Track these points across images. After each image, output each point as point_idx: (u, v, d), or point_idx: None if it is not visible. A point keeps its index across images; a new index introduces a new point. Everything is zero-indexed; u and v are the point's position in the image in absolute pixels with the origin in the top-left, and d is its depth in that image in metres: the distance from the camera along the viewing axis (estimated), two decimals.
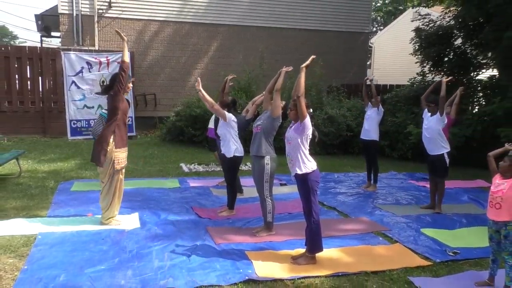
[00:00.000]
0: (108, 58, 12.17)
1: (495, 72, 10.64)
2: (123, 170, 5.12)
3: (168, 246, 4.49)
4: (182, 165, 9.02)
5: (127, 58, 5.05)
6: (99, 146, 4.87)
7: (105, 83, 12.18)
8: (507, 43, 8.28)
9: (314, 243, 4.16)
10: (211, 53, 14.76)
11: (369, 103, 7.37)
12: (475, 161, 8.39)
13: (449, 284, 3.79)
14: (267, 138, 4.84)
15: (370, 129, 7.28)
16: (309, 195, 4.12)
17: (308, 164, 4.12)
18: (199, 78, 5.20)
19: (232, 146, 5.48)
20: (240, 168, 6.18)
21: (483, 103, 10.21)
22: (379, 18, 33.49)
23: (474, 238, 4.97)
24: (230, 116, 5.53)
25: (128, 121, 12.48)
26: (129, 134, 12.57)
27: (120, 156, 4.95)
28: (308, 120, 4.07)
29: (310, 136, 4.19)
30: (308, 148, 4.20)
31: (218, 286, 3.67)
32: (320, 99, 11.80)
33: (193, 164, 9.06)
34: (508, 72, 9.08)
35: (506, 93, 8.84)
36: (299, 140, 4.12)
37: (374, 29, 30.35)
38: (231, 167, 5.64)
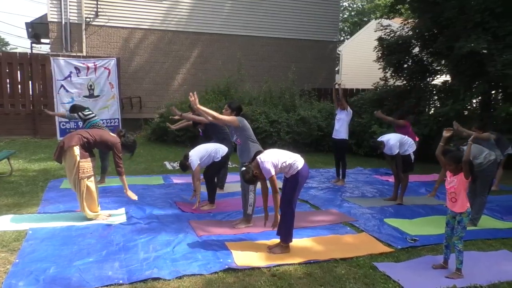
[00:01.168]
0: (96, 64, 11.91)
1: (448, 77, 10.88)
2: (92, 178, 4.93)
3: (153, 239, 4.43)
4: (166, 163, 8.92)
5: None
6: (61, 142, 4.81)
7: (92, 87, 11.96)
8: (458, 52, 8.49)
9: (288, 233, 4.16)
10: (193, 59, 14.64)
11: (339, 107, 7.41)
12: (432, 157, 8.56)
13: (409, 268, 3.86)
14: (249, 141, 4.75)
15: (340, 130, 7.35)
16: (295, 188, 4.08)
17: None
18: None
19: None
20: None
21: (438, 105, 10.44)
22: (346, 28, 33.86)
23: (431, 226, 5.08)
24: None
25: (115, 122, 12.35)
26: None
27: (85, 165, 4.80)
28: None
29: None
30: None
31: (200, 275, 3.64)
32: (293, 102, 11.86)
33: (176, 162, 8.96)
34: (459, 78, 9.32)
35: (458, 96, 9.07)
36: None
37: (342, 38, 30.68)
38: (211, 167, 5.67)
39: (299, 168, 4.04)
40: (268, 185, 4.10)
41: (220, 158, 5.64)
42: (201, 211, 5.53)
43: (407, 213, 5.70)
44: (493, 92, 9.66)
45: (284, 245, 4.17)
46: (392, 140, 6.05)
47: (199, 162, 5.51)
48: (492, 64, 8.07)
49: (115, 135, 5.13)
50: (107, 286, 3.38)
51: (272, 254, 4.09)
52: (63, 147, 4.77)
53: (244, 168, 4.04)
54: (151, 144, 11.50)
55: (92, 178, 4.93)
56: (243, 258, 3.96)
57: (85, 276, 3.51)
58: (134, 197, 5.09)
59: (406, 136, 6.29)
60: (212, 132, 6.49)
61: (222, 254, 4.06)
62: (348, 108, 7.35)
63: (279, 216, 4.03)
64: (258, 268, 3.79)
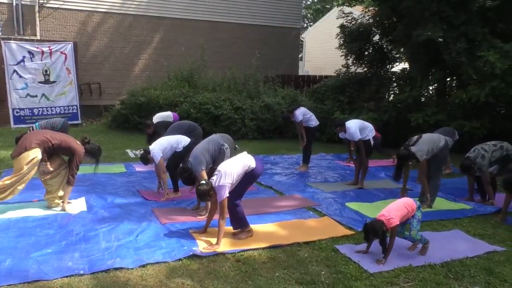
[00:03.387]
0: (51, 48, 11.39)
1: (406, 65, 11.21)
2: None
3: (115, 228, 4.34)
4: (128, 151, 8.71)
5: None
6: (23, 143, 4.66)
7: (48, 72, 11.43)
8: (415, 40, 8.75)
9: (241, 222, 4.21)
10: (154, 45, 14.27)
11: None
12: (391, 142, 8.86)
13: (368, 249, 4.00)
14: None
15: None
16: (247, 184, 4.24)
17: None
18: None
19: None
20: None
21: (397, 92, 10.75)
22: (309, 15, 34.05)
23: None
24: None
25: (73, 109, 11.91)
26: (74, 122, 12.05)
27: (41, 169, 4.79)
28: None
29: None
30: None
31: (164, 262, 3.61)
32: (258, 89, 11.85)
33: (139, 150, 8.76)
34: (417, 65, 9.63)
35: (415, 83, 9.37)
36: None
37: (305, 25, 30.86)
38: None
39: (253, 167, 4.14)
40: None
41: (181, 149, 5.54)
42: (166, 199, 5.46)
43: (367, 196, 5.89)
44: (448, 79, 10.07)
45: (247, 230, 4.21)
46: (353, 127, 6.20)
47: (161, 154, 5.42)
48: (447, 52, 8.38)
49: (80, 143, 4.95)
50: (67, 277, 3.30)
51: (237, 239, 4.12)
52: (25, 148, 4.57)
53: (203, 182, 4.00)
54: (112, 131, 11.18)
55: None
56: (207, 244, 3.96)
57: (44, 267, 3.40)
58: (70, 210, 4.85)
59: (367, 125, 6.48)
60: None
61: (187, 241, 4.05)
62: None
63: (221, 240, 3.93)
64: (223, 254, 3.81)
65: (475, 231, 4.54)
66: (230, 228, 4.38)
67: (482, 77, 8.10)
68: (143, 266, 3.53)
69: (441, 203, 5.56)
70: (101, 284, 3.21)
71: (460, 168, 5.68)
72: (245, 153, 4.31)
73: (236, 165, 4.06)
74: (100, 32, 13.45)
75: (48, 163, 4.75)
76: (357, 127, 6.21)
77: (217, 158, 4.91)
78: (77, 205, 5.02)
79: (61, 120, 6.91)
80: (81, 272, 3.37)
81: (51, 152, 4.75)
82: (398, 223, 3.67)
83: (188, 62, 12.25)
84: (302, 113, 7.40)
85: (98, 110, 13.13)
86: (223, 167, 4.02)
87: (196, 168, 4.65)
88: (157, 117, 7.93)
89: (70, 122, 11.46)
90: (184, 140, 5.64)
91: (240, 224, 4.21)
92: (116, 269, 3.45)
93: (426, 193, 5.19)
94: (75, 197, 5.33)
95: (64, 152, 4.89)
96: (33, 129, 6.40)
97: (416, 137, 5.30)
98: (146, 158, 5.50)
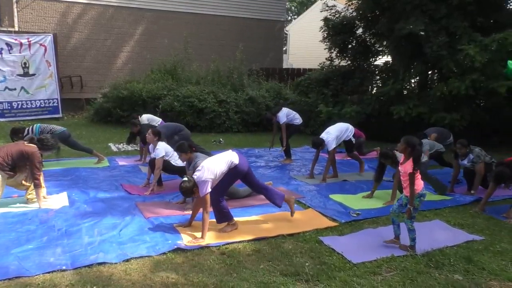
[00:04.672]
0: (30, 40, 11.11)
1: (389, 58, 11.32)
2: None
3: (98, 222, 4.29)
4: (111, 144, 8.60)
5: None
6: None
7: (27, 65, 11.17)
8: (398, 34, 8.84)
9: (224, 216, 4.20)
10: (137, 37, 14.06)
11: None
12: (374, 134, 8.96)
13: (352, 240, 4.05)
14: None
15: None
16: (231, 180, 4.30)
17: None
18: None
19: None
20: None
21: (380, 85, 10.85)
22: (293, 8, 34.01)
23: (372, 200, 5.34)
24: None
25: (54, 103, 11.67)
26: (55, 116, 11.83)
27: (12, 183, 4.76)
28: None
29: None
30: None
31: (148, 256, 3.59)
32: (242, 82, 11.82)
33: (121, 144, 8.67)
34: (399, 59, 9.73)
35: (398, 76, 9.47)
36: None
37: (289, 18, 30.81)
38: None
39: (236, 163, 4.16)
40: None
41: (177, 165, 5.50)
42: (150, 193, 5.42)
43: (350, 188, 5.95)
44: (429, 72, 10.21)
45: (231, 223, 4.21)
46: (330, 138, 6.29)
47: (163, 153, 5.44)
48: (429, 45, 8.49)
49: (30, 144, 4.79)
50: (49, 273, 3.25)
51: (222, 232, 4.12)
52: None
53: (185, 179, 4.00)
54: (94, 125, 11.02)
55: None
56: (192, 238, 3.95)
57: (25, 264, 3.35)
58: (52, 205, 4.77)
59: (345, 127, 6.57)
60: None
61: (171, 235, 4.03)
62: None
63: (206, 234, 3.94)
64: (207, 247, 3.80)
65: (455, 221, 4.64)
66: (214, 221, 4.37)
67: (462, 70, 8.24)
68: (127, 260, 3.50)
69: None
70: (84, 280, 3.17)
71: (454, 156, 5.86)
72: (230, 151, 4.34)
73: (219, 162, 4.10)
74: (81, 23, 13.18)
75: (21, 177, 4.69)
76: (334, 138, 6.30)
77: None
78: (58, 200, 4.94)
79: (62, 129, 6.66)
80: (64, 267, 3.32)
81: (13, 166, 4.61)
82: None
83: (172, 55, 12.13)
84: (285, 114, 7.40)
85: (80, 104, 12.92)
86: (206, 163, 4.06)
87: (198, 160, 4.67)
88: (146, 119, 7.83)
89: (50, 116, 11.34)
90: (181, 162, 5.52)
91: (224, 218, 4.21)
92: (99, 264, 3.41)
93: (395, 193, 5.26)
94: (56, 192, 5.25)
95: (21, 160, 4.66)
96: (32, 130, 6.27)
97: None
98: (157, 132, 5.63)
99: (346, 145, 6.82)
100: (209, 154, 5.32)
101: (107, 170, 6.61)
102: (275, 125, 7.62)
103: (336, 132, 6.39)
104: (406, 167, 3.72)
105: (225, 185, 4.20)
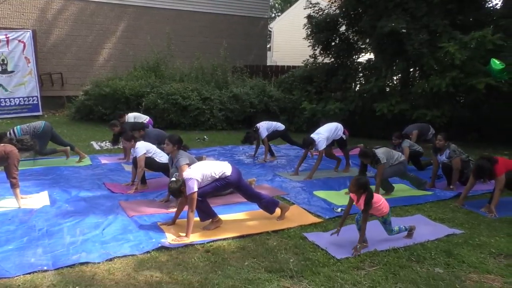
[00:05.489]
0: (8, 36, 10.86)
1: (371, 55, 11.43)
2: None
3: (80, 222, 4.23)
4: (93, 143, 8.48)
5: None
6: None
7: (5, 62, 10.91)
8: (380, 31, 8.93)
9: (207, 214, 4.19)
10: (119, 33, 13.88)
11: None
12: (357, 131, 9.06)
13: (336, 236, 4.08)
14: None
15: None
16: (219, 189, 4.30)
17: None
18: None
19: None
20: None
21: (363, 82, 10.96)
22: (276, 5, 34.04)
23: None
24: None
25: (34, 100, 11.44)
26: (35, 113, 11.60)
27: None
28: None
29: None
30: None
31: (131, 255, 3.56)
32: (226, 79, 11.78)
33: (104, 142, 8.56)
34: (381, 56, 9.84)
35: (380, 74, 9.58)
36: None
37: (273, 15, 30.83)
38: None
39: (227, 175, 4.19)
40: None
41: (161, 161, 5.46)
42: (134, 191, 5.36)
43: (334, 184, 6.00)
44: (411, 70, 10.35)
45: (215, 220, 4.21)
46: (321, 138, 6.33)
47: (144, 151, 5.39)
48: (410, 43, 8.61)
49: (8, 144, 4.72)
50: (29, 273, 3.19)
51: (206, 230, 4.11)
52: None
53: (173, 179, 4.04)
54: (75, 123, 10.84)
55: None
56: (176, 236, 3.93)
57: (4, 264, 3.28)
58: (32, 205, 4.68)
59: (334, 127, 6.63)
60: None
61: (155, 233, 4.00)
62: None
63: (190, 232, 3.92)
64: (192, 245, 3.79)
65: (436, 216, 4.73)
66: (198, 219, 4.36)
67: (442, 67, 8.38)
68: (110, 260, 3.46)
69: (404, 190, 5.76)
70: (66, 280, 3.13)
71: (433, 151, 6.02)
72: (226, 162, 4.40)
73: (210, 167, 4.18)
74: (61, 19, 12.93)
75: None
76: (325, 138, 6.34)
77: None
78: (39, 200, 4.85)
79: (42, 123, 6.57)
80: (45, 268, 3.26)
81: None
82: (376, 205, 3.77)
83: (154, 52, 12.01)
84: (266, 128, 7.44)
85: (61, 101, 12.69)
86: (196, 164, 4.25)
87: (180, 162, 4.69)
88: (133, 117, 7.72)
89: (30, 114, 11.11)
90: (165, 158, 5.50)
91: (207, 216, 4.20)
92: (81, 264, 3.36)
93: (378, 190, 5.33)
94: (37, 191, 5.15)
95: (1, 161, 4.61)
96: (14, 132, 6.16)
97: (378, 146, 5.60)
98: (129, 137, 5.58)
99: (339, 144, 6.88)
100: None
101: (89, 168, 6.52)
102: (258, 139, 7.59)
103: (326, 133, 6.44)
104: (361, 205, 3.77)
105: (211, 190, 4.19)
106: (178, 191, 4.00)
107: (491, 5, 10.03)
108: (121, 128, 7.16)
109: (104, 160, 7.05)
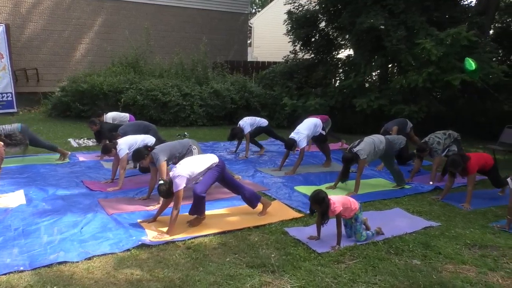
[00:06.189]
0: None
1: (351, 52, 11.54)
2: None
3: (58, 220, 4.14)
4: (71, 140, 8.31)
5: None
6: None
7: None
8: (359, 28, 9.02)
9: (198, 210, 4.17)
10: (96, 28, 13.59)
11: None
12: (338, 126, 9.13)
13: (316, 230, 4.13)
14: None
15: None
16: (215, 177, 4.28)
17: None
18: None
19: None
20: None
21: (343, 78, 11.06)
22: (257, 0, 33.94)
23: (336, 191, 5.45)
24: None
25: (8, 97, 11.11)
26: (9, 110, 11.27)
27: None
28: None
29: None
30: None
31: (111, 254, 3.51)
32: (206, 75, 11.70)
33: (82, 139, 8.40)
34: (360, 52, 9.94)
35: (359, 69, 9.69)
36: None
37: (253, 10, 30.74)
38: None
39: (217, 163, 4.26)
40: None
41: None
42: (114, 190, 5.28)
43: (315, 180, 6.05)
44: (389, 65, 10.50)
45: (200, 217, 4.19)
46: (301, 137, 6.34)
47: (127, 151, 5.33)
48: (388, 39, 8.73)
49: None
50: (5, 274, 3.12)
51: (191, 227, 4.08)
52: None
53: (161, 182, 4.01)
54: (52, 120, 10.59)
55: None
56: (157, 233, 3.90)
57: None
58: (7, 204, 4.54)
59: (315, 122, 6.66)
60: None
61: (135, 231, 3.96)
62: None
63: (172, 230, 3.91)
64: (173, 242, 3.77)
65: (413, 209, 4.84)
66: (180, 216, 4.33)
67: (419, 63, 8.53)
68: (89, 258, 3.41)
69: (383, 184, 5.86)
70: (43, 280, 3.06)
71: (416, 150, 6.14)
72: (210, 154, 4.45)
73: (198, 162, 4.20)
74: (36, 13, 12.57)
75: None
76: (305, 136, 6.37)
77: (184, 156, 4.92)
78: (14, 199, 4.73)
79: (18, 126, 6.15)
80: (21, 268, 3.19)
81: None
82: (341, 208, 3.79)
83: (133, 47, 11.83)
84: (249, 124, 7.48)
85: (36, 98, 12.35)
86: (185, 160, 4.24)
87: (158, 157, 4.66)
88: (111, 118, 7.58)
89: (4, 111, 10.80)
90: (150, 141, 5.55)
91: (198, 212, 4.17)
92: (59, 263, 3.30)
93: (358, 184, 5.41)
94: (12, 190, 5.02)
95: None
96: None
97: (358, 140, 5.58)
98: (109, 149, 5.46)
99: (318, 140, 6.90)
100: (199, 148, 5.30)
101: (67, 166, 6.39)
102: (246, 138, 7.55)
103: (306, 131, 6.45)
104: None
105: (212, 181, 4.25)
106: (168, 192, 3.96)
107: (466, 2, 10.26)
108: (100, 127, 7.12)
109: (82, 158, 6.92)
